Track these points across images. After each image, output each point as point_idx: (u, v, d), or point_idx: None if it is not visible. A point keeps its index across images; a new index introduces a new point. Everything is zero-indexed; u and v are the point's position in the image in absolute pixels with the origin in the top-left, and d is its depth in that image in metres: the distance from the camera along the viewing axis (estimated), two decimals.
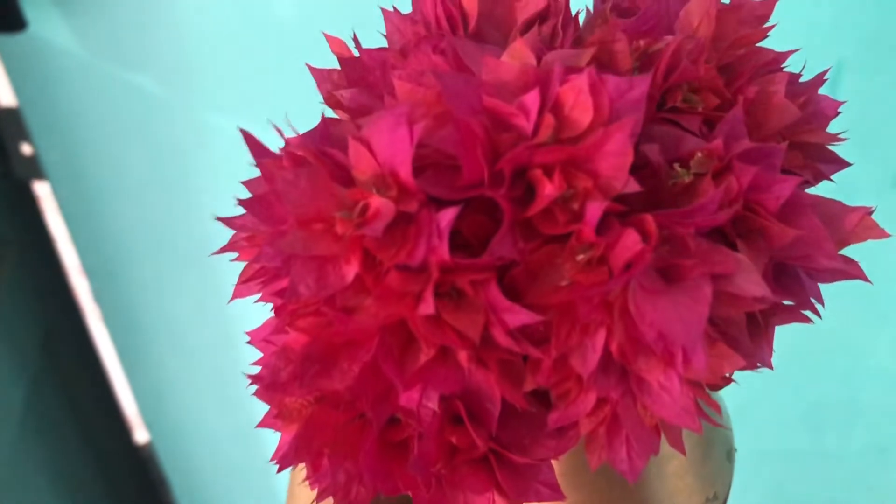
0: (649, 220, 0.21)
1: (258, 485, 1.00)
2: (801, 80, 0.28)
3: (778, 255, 0.24)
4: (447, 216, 0.21)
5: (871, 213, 0.25)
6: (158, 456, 1.06)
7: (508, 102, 0.22)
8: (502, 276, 0.22)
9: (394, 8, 0.28)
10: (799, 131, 0.27)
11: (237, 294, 0.25)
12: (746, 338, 0.23)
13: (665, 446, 0.30)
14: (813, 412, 0.74)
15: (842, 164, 0.28)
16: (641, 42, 0.26)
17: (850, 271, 0.25)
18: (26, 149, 0.79)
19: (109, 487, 1.02)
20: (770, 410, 0.75)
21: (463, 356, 0.22)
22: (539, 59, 0.24)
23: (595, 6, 0.29)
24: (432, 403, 0.22)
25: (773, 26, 0.27)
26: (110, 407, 1.01)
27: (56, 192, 0.83)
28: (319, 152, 0.23)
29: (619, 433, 0.23)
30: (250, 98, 0.67)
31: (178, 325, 0.88)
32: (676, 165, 0.24)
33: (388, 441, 0.23)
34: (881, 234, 0.25)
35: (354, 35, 0.29)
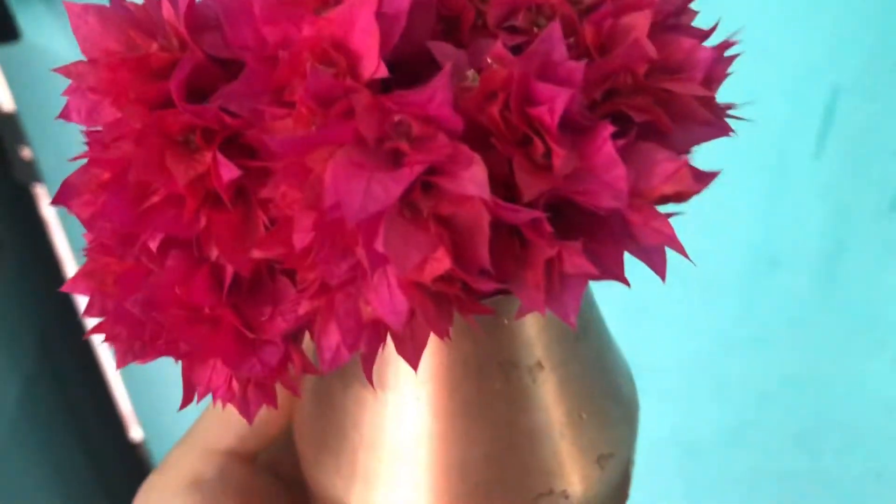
0: (364, 94, 0.20)
1: None
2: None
3: (562, 188, 0.22)
4: (191, 64, 0.22)
5: (688, 164, 0.22)
6: (152, 454, 1.08)
7: None
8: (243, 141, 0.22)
9: None
10: (659, 78, 0.24)
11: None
12: (485, 252, 0.21)
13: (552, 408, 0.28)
14: (810, 435, 0.68)
15: (718, 129, 0.24)
16: None
17: (657, 228, 0.22)
18: (26, 153, 0.81)
19: (103, 484, 1.03)
20: (767, 432, 0.69)
21: (187, 204, 0.22)
22: None
23: None
24: (154, 243, 0.23)
25: None
26: (105, 404, 1.03)
27: (53, 195, 0.87)
28: (147, 5, 0.25)
29: (330, 320, 0.22)
30: None
31: None
32: (471, 71, 0.23)
33: (140, 286, 0.24)
34: (691, 186, 0.22)
35: None
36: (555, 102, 0.21)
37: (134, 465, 1.11)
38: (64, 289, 0.25)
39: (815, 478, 0.75)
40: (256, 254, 0.22)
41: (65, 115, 0.24)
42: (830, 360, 0.67)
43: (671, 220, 0.23)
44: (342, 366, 0.29)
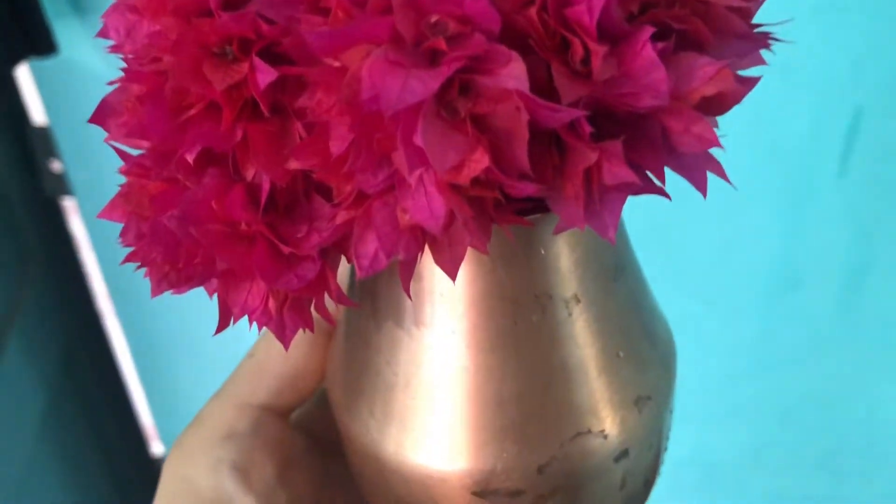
0: None
1: None
2: None
3: (601, 92, 0.22)
4: None
5: (728, 67, 0.22)
6: None
7: None
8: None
9: None
10: None
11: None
12: (524, 155, 0.21)
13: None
14: (831, 457, 0.66)
15: (757, 42, 0.24)
16: None
17: (699, 134, 0.22)
18: (56, 166, 0.82)
19: (124, 498, 1.03)
20: (785, 455, 0.67)
21: (224, 115, 0.22)
22: None
23: None
24: (190, 157, 0.23)
25: None
26: (127, 419, 1.03)
27: (83, 208, 0.87)
28: None
29: (369, 227, 0.22)
30: None
31: (197, 342, 0.89)
32: None
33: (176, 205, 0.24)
34: (732, 86, 0.22)
35: None
36: (592, 1, 0.21)
37: (154, 479, 1.10)
38: (101, 215, 0.25)
39: (837, 500, 0.74)
40: (293, 164, 0.22)
41: (103, 33, 0.24)
42: (852, 382, 0.66)
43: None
44: (375, 305, 0.29)
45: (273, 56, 0.22)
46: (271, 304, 0.24)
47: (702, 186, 0.24)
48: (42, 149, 0.83)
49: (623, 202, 0.23)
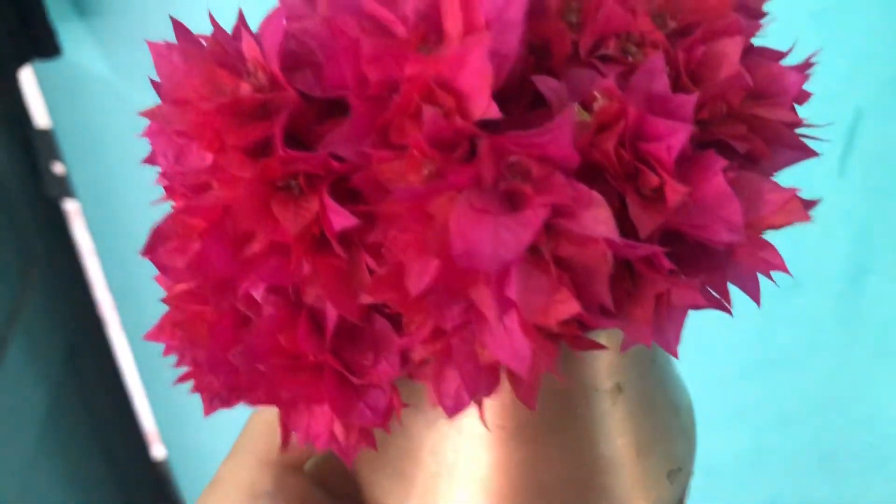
0: (486, 140, 0.20)
1: None
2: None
3: (675, 221, 0.22)
4: (290, 107, 0.21)
5: (795, 194, 0.22)
6: (174, 472, 1.08)
7: (394, 8, 0.22)
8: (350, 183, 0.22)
9: None
10: (751, 104, 0.24)
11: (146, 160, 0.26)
12: (606, 291, 0.21)
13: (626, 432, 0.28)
14: (832, 459, 0.68)
15: (804, 151, 0.25)
16: None
17: (766, 258, 0.22)
18: (58, 168, 0.83)
19: (126, 501, 1.04)
20: (785, 457, 0.69)
21: (293, 253, 0.22)
22: None
23: None
24: (258, 293, 0.22)
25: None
26: (129, 422, 1.04)
27: (85, 210, 0.87)
28: (225, 40, 0.24)
29: (449, 366, 0.22)
30: None
31: None
32: (577, 105, 0.22)
33: (234, 335, 0.24)
34: (804, 217, 0.22)
35: None
36: (672, 139, 0.21)
37: (156, 482, 1.11)
38: (147, 337, 0.24)
39: (837, 503, 0.74)
40: (366, 299, 0.22)
41: (150, 159, 0.23)
42: (852, 384, 0.67)
43: None
44: (413, 389, 0.29)
45: (340, 189, 0.22)
46: (337, 429, 0.24)
47: (755, 295, 0.24)
48: (45, 151, 0.83)
49: (685, 318, 0.24)
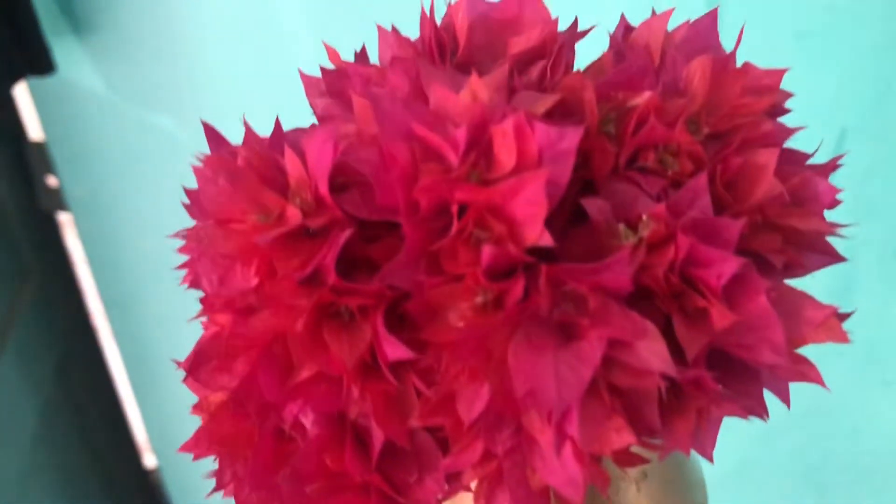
0: (542, 269, 0.20)
1: None
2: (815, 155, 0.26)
3: (720, 340, 0.22)
4: (343, 235, 0.21)
5: (836, 313, 0.23)
6: (165, 481, 1.09)
7: (443, 134, 0.22)
8: (401, 306, 0.22)
9: (392, 27, 0.28)
10: (786, 213, 0.24)
11: (183, 280, 0.26)
12: (656, 418, 0.21)
13: None
14: (815, 474, 0.70)
15: (834, 257, 0.25)
16: (620, 94, 0.24)
17: (803, 372, 0.23)
18: (52, 181, 0.84)
19: None
20: (772, 470, 0.71)
21: (344, 379, 0.21)
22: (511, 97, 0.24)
23: (604, 53, 0.28)
24: (308, 420, 0.22)
25: (777, 100, 0.25)
26: (121, 431, 1.04)
27: (78, 223, 0.87)
28: (264, 154, 0.23)
29: (501, 491, 0.22)
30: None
31: None
32: (622, 226, 0.22)
33: (277, 452, 0.23)
34: (843, 338, 0.23)
35: (363, 48, 0.29)
36: (723, 267, 0.21)
37: (147, 492, 1.11)
38: (183, 449, 0.24)
39: None
40: (415, 422, 0.22)
41: (194, 283, 0.22)
42: (837, 398, 0.68)
43: None
44: None
45: (389, 314, 0.22)
46: None
47: (786, 398, 0.25)
48: (38, 164, 0.83)
49: (720, 425, 0.24)
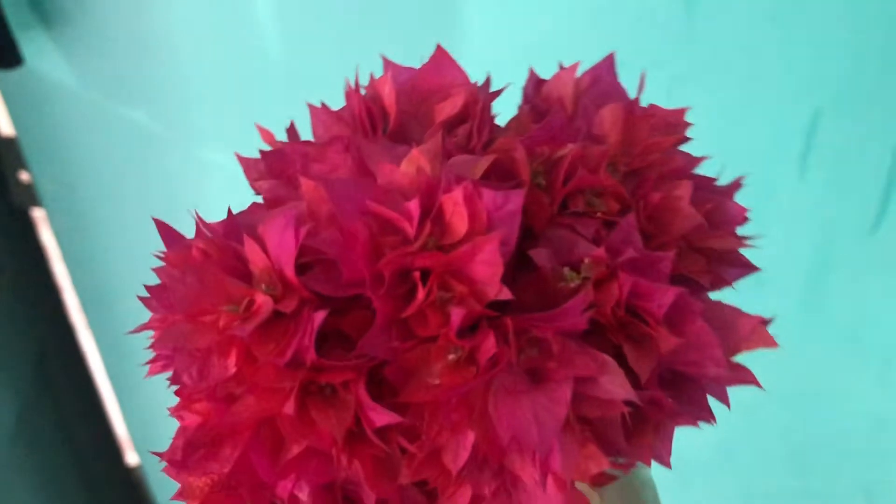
0: (508, 322, 0.22)
1: None
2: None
3: (667, 360, 0.25)
4: (318, 317, 0.22)
5: (764, 322, 0.25)
6: (148, 478, 1.08)
7: (394, 208, 0.23)
8: (378, 374, 0.23)
9: (322, 104, 0.29)
10: (705, 237, 0.27)
11: (151, 372, 0.27)
12: (621, 439, 0.23)
13: None
14: (798, 454, 0.72)
15: (750, 268, 0.28)
16: (546, 148, 0.27)
17: (741, 378, 0.26)
18: (24, 177, 0.83)
19: None
20: (754, 451, 0.72)
21: (333, 451, 0.23)
22: (447, 161, 0.25)
23: (520, 107, 0.30)
24: (303, 494, 0.23)
25: (684, 137, 0.28)
26: (101, 429, 1.04)
27: (52, 219, 0.86)
28: (225, 245, 0.24)
29: None
30: (239, 132, 0.70)
31: None
32: (566, 270, 0.25)
33: None
34: (772, 343, 0.25)
35: (292, 124, 0.30)
36: (663, 298, 0.24)
37: (129, 489, 1.09)
38: None
39: (804, 497, 0.76)
40: (405, 479, 0.23)
41: (175, 380, 0.23)
42: (817, 379, 0.69)
43: None
44: None
45: (369, 382, 0.23)
46: None
47: (725, 401, 0.27)
48: (10, 160, 0.81)
49: (673, 433, 0.26)
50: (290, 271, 0.23)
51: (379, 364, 0.23)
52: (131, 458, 1.08)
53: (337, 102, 0.30)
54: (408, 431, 0.23)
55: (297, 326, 0.22)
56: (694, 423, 0.26)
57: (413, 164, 0.25)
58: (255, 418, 0.22)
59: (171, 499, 0.27)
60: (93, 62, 0.71)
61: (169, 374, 0.27)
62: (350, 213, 0.23)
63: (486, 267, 0.23)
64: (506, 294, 0.23)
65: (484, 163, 0.25)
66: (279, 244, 0.23)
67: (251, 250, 0.23)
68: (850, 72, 0.54)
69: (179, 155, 0.73)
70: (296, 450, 0.23)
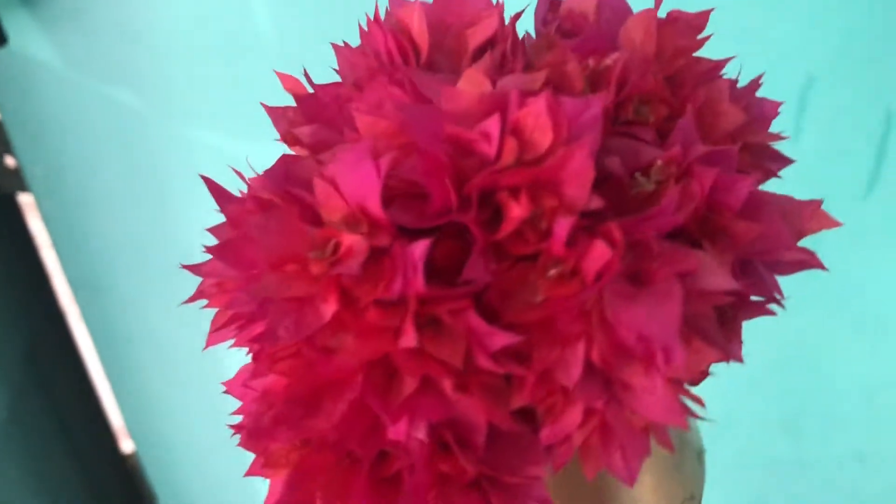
0: (615, 228, 0.22)
1: (243, 495, 0.99)
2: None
3: (742, 251, 0.25)
4: (420, 248, 0.21)
5: (820, 204, 0.26)
6: (144, 466, 1.05)
7: (470, 129, 0.23)
8: (479, 299, 0.22)
9: (344, 42, 0.28)
10: (745, 133, 0.28)
11: (211, 342, 0.25)
12: (719, 332, 0.24)
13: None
14: (792, 421, 0.74)
15: (785, 161, 0.29)
16: (590, 61, 0.26)
17: (811, 261, 0.26)
18: (10, 161, 0.80)
19: (94, 497, 1.02)
20: (750, 420, 0.74)
21: (447, 384, 0.22)
22: (493, 85, 0.25)
23: (537, 30, 0.30)
24: (421, 434, 0.22)
25: (708, 37, 0.28)
26: (96, 417, 1.01)
27: (40, 204, 0.83)
28: (285, 193, 0.23)
29: (612, 440, 0.23)
30: (228, 112, 0.68)
31: (163, 337, 0.87)
32: (638, 175, 0.24)
33: (379, 477, 0.23)
34: (833, 223, 0.26)
35: (305, 71, 0.29)
36: (741, 188, 0.24)
37: (125, 476, 1.06)
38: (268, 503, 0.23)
39: (798, 462, 0.76)
40: (517, 404, 0.23)
41: (265, 337, 0.22)
42: (811, 347, 0.69)
43: None
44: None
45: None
46: None
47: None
48: None
49: (741, 328, 0.27)
50: (375, 206, 0.22)
51: (480, 291, 0.22)
52: (126, 445, 1.05)
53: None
54: (517, 355, 0.23)
55: (394, 262, 0.21)
56: (770, 312, 0.26)
57: (474, 83, 0.24)
58: (364, 363, 0.21)
59: (247, 474, 0.26)
60: (79, 41, 0.67)
61: (231, 341, 0.26)
62: (428, 138, 0.22)
63: (577, 176, 0.22)
64: (597, 202, 0.22)
65: (540, 76, 0.25)
66: (358, 181, 0.22)
67: (324, 193, 0.22)
68: (842, 37, 0.55)
69: (165, 133, 0.70)
70: (408, 389, 0.22)
